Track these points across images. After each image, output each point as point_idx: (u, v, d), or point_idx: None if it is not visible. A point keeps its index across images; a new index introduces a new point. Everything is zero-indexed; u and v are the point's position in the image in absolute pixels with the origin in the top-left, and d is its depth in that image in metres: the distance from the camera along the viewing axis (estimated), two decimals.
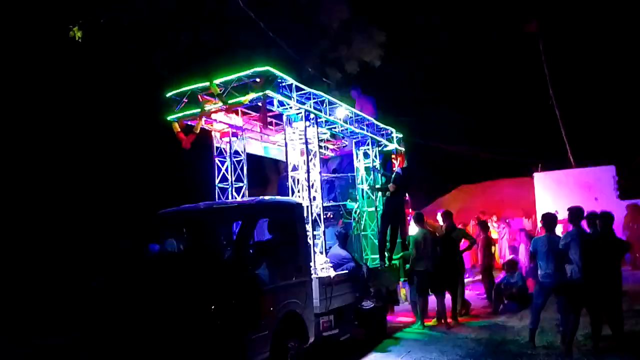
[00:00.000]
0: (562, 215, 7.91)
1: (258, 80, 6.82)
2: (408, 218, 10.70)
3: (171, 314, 4.84)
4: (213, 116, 7.72)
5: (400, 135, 10.58)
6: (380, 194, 9.29)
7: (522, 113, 20.54)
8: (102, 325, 5.20)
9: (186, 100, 7.44)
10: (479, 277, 11.47)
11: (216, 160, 8.37)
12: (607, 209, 6.87)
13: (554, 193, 15.03)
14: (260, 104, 6.91)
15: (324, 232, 7.36)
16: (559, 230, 7.17)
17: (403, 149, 10.55)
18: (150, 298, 5.09)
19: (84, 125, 13.38)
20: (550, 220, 7.00)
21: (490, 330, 8.04)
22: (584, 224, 6.69)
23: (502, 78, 22.75)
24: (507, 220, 14.62)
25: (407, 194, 10.69)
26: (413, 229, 11.02)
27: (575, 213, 6.69)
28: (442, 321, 8.49)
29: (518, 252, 11.93)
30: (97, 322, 5.25)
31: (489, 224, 13.60)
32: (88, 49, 12.42)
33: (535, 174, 16.70)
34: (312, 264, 6.53)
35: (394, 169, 9.43)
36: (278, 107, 7.27)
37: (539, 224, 10.81)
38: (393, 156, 9.90)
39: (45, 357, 7.43)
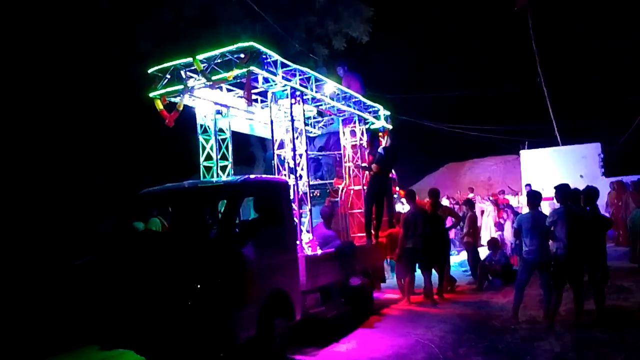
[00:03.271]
0: (548, 192, 8.01)
1: (242, 56, 6.71)
2: (395, 196, 10.75)
3: (157, 294, 4.85)
4: (197, 93, 7.60)
5: (388, 113, 10.55)
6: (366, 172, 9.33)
7: (509, 91, 20.59)
8: (88, 305, 5.20)
9: (169, 77, 7.30)
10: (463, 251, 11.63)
11: (200, 138, 8.28)
12: (592, 186, 6.95)
13: (540, 170, 15.20)
14: (244, 80, 6.81)
15: (311, 210, 7.36)
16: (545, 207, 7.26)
17: (390, 126, 10.53)
18: (136, 277, 5.08)
19: (64, 104, 13.11)
20: (534, 197, 7.09)
21: (475, 306, 8.19)
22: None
23: (491, 55, 22.75)
24: (492, 198, 14.77)
25: (393, 172, 10.73)
26: (401, 207, 11.12)
27: (562, 191, 6.77)
28: (429, 297, 8.62)
29: (504, 229, 12.09)
30: (83, 302, 5.24)
31: (476, 202, 13.76)
32: (69, 24, 12.12)
33: (522, 152, 16.86)
34: (298, 242, 6.55)
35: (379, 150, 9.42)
36: (263, 83, 7.19)
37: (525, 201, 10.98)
38: (380, 134, 9.88)
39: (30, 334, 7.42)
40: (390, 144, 8.93)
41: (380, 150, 8.86)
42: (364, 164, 9.40)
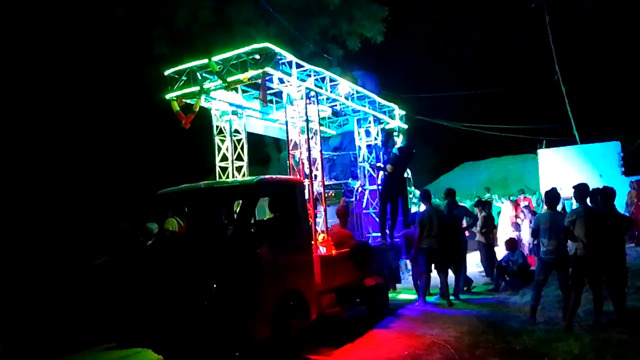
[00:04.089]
0: (567, 192, 7.89)
1: (257, 57, 6.76)
2: (410, 196, 10.71)
3: (173, 293, 4.90)
4: (212, 94, 7.67)
5: (403, 113, 10.52)
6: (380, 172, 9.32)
7: (526, 89, 20.34)
8: (106, 304, 5.28)
9: (185, 79, 7.39)
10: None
11: (216, 139, 8.35)
12: (611, 185, 6.84)
13: (558, 170, 14.98)
14: (259, 81, 6.85)
15: (325, 210, 7.37)
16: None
17: (406, 126, 10.49)
18: (153, 277, 5.14)
19: (82, 106, 13.32)
20: (552, 196, 7.00)
21: (492, 307, 8.12)
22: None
23: (507, 53, 22.52)
24: (510, 197, 14.60)
25: (409, 172, 10.70)
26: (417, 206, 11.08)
27: (581, 190, 6.66)
28: (445, 298, 8.57)
29: (521, 229, 11.95)
30: (101, 301, 5.32)
31: (493, 202, 13.62)
32: (86, 27, 12.31)
33: (540, 151, 16.62)
34: (313, 242, 6.56)
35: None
36: (278, 84, 7.22)
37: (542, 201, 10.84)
38: (395, 134, 9.86)
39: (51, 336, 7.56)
40: (404, 144, 8.91)
41: (394, 150, 8.84)
42: (378, 164, 9.39)
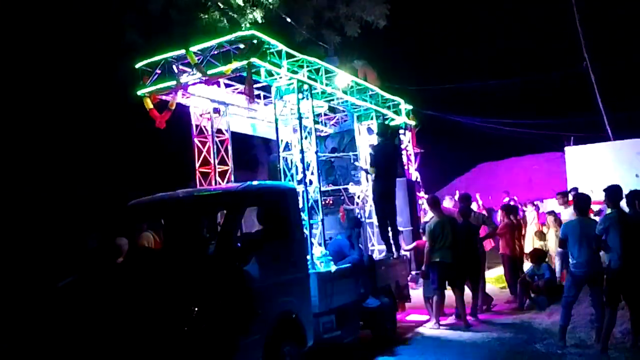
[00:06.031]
0: (598, 195, 7.94)
1: (242, 46, 6.80)
2: (420, 203, 10.75)
3: (149, 319, 4.89)
4: (191, 89, 7.69)
5: (410, 107, 10.56)
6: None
7: (551, 79, 20.39)
8: (71, 332, 5.26)
9: (159, 72, 7.41)
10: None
11: (196, 140, 8.37)
12: None
13: (588, 170, 15.03)
14: (244, 74, 6.88)
15: (323, 220, 7.39)
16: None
17: (413, 122, 10.54)
18: (126, 300, 5.13)
19: (43, 102, 13.32)
20: (582, 201, 7.03)
21: (515, 328, 8.14)
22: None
23: (529, 37, 22.61)
24: (535, 203, 14.63)
25: (418, 176, 10.73)
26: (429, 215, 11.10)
27: (613, 193, 6.70)
28: (461, 319, 8.58)
29: (546, 239, 11.97)
30: (65, 329, 5.31)
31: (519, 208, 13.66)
32: (45, 10, 12.31)
33: (567, 149, 16.69)
34: (309, 257, 6.57)
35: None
36: (266, 77, 7.25)
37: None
38: (401, 131, 9.89)
39: None
40: (379, 141, 8.83)
41: (370, 150, 8.82)
42: (360, 166, 9.36)
